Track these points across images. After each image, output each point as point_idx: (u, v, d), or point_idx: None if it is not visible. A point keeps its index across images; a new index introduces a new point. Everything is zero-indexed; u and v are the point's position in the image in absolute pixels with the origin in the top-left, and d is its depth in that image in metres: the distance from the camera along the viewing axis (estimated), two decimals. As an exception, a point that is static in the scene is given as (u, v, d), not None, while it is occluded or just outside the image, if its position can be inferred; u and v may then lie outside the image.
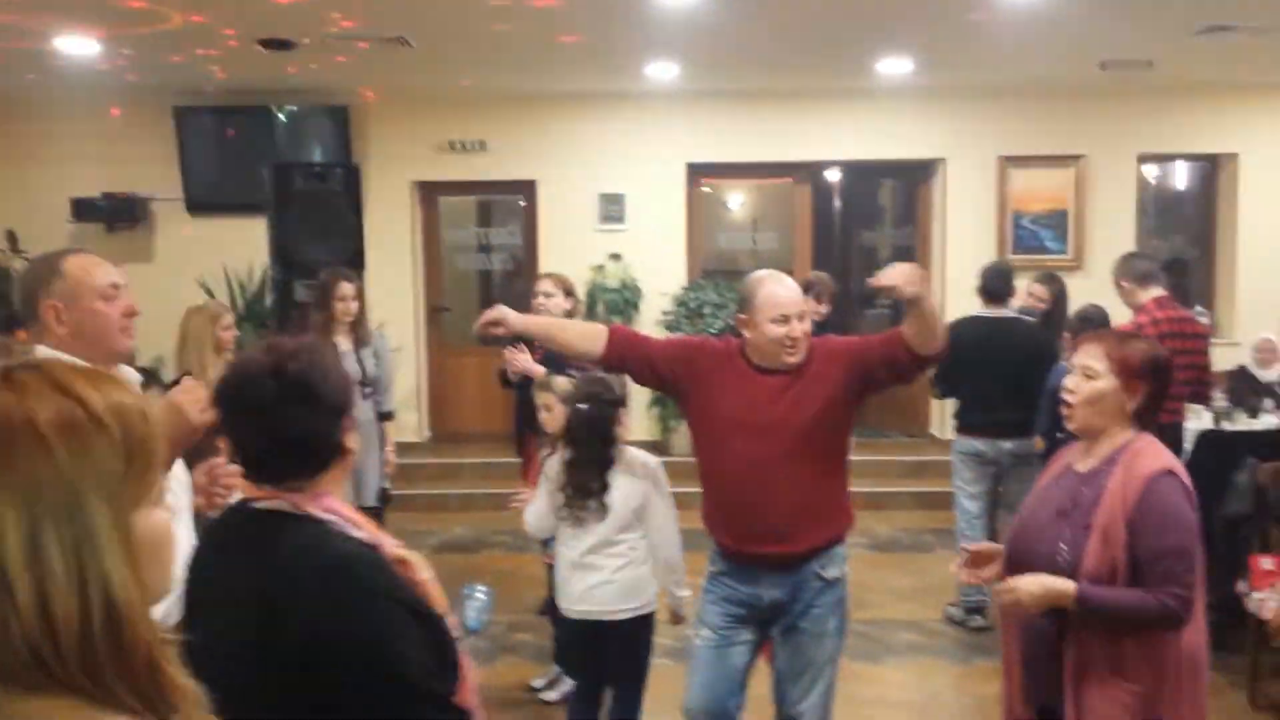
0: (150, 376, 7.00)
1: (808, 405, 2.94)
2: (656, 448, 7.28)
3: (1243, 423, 5.57)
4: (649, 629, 3.48)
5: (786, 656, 3.09)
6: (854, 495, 3.18)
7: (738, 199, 9.51)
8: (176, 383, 4.73)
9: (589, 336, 3.15)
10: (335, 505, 1.64)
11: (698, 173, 8.54)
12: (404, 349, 7.99)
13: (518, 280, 8.56)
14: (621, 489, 3.36)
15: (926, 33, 6.35)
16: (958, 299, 6.90)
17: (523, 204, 8.70)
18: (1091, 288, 6.32)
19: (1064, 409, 2.56)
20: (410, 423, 8.16)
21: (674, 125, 8.21)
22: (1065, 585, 2.37)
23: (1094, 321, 4.85)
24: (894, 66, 7.21)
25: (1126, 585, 2.35)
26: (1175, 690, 2.39)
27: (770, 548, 2.99)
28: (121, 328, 2.31)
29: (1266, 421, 5.59)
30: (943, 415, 7.49)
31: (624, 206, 8.31)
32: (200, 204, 8.12)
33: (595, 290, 8.10)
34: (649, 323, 7.91)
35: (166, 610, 1.60)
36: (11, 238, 8.04)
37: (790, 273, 3.23)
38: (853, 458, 3.17)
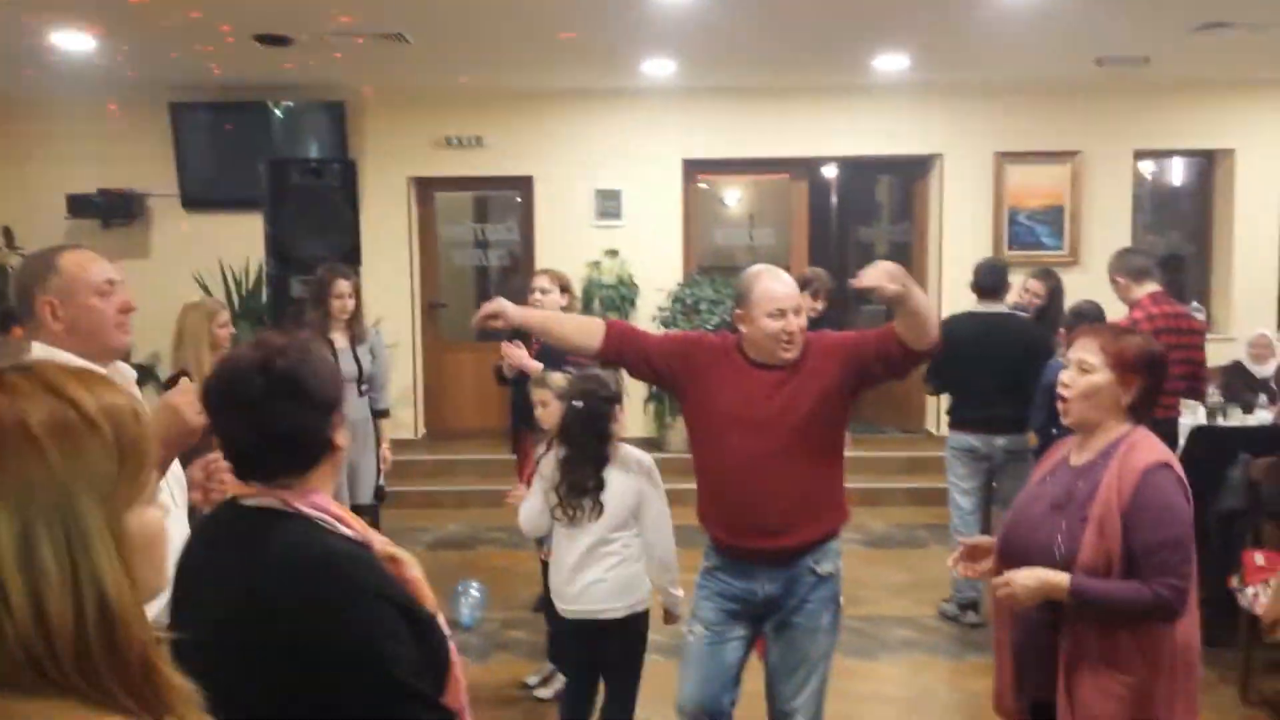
0: (146, 373, 7.00)
1: (804, 400, 2.95)
2: (652, 444, 7.30)
3: (1237, 418, 5.59)
4: (643, 626, 3.48)
5: (780, 652, 3.10)
6: (849, 491, 3.18)
7: (734, 195, 9.51)
8: (174, 379, 4.74)
9: (586, 331, 3.15)
10: (324, 502, 1.64)
11: (694, 169, 8.53)
12: (400, 345, 7.99)
13: (514, 276, 8.56)
14: (616, 486, 3.36)
15: (923, 29, 6.36)
16: (954, 295, 6.91)
17: (519, 200, 8.69)
18: (1088, 283, 6.33)
19: (1059, 403, 2.57)
20: (406, 419, 8.16)
21: (671, 121, 8.21)
22: (1060, 578, 2.38)
23: (1089, 317, 4.86)
24: (891, 63, 7.21)
25: (1122, 577, 2.37)
26: (1169, 683, 2.40)
27: (765, 542, 3.00)
28: (117, 324, 2.31)
29: (1261, 417, 5.61)
30: (938, 411, 7.49)
31: (621, 203, 8.31)
32: (196, 200, 8.12)
33: (592, 286, 8.10)
34: (645, 319, 7.91)
35: (160, 609, 1.60)
36: (7, 234, 8.03)
37: (787, 269, 3.24)
38: (848, 453, 3.19)
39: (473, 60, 7.04)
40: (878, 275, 2.72)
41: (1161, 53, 6.97)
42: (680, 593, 3.49)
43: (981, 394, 5.15)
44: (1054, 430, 3.94)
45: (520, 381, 4.49)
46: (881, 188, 9.60)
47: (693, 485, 3.15)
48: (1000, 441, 5.16)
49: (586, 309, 7.48)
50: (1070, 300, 5.56)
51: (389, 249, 8.20)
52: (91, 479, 0.95)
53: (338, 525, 1.62)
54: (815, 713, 3.11)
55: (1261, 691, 4.31)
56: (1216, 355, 6.31)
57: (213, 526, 1.74)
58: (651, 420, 8.06)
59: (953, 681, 4.71)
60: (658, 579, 3.45)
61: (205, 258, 7.93)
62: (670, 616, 3.55)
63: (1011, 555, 2.55)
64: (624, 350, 3.13)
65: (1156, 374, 2.53)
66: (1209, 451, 4.71)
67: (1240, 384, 6.18)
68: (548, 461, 3.47)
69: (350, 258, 6.29)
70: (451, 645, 1.67)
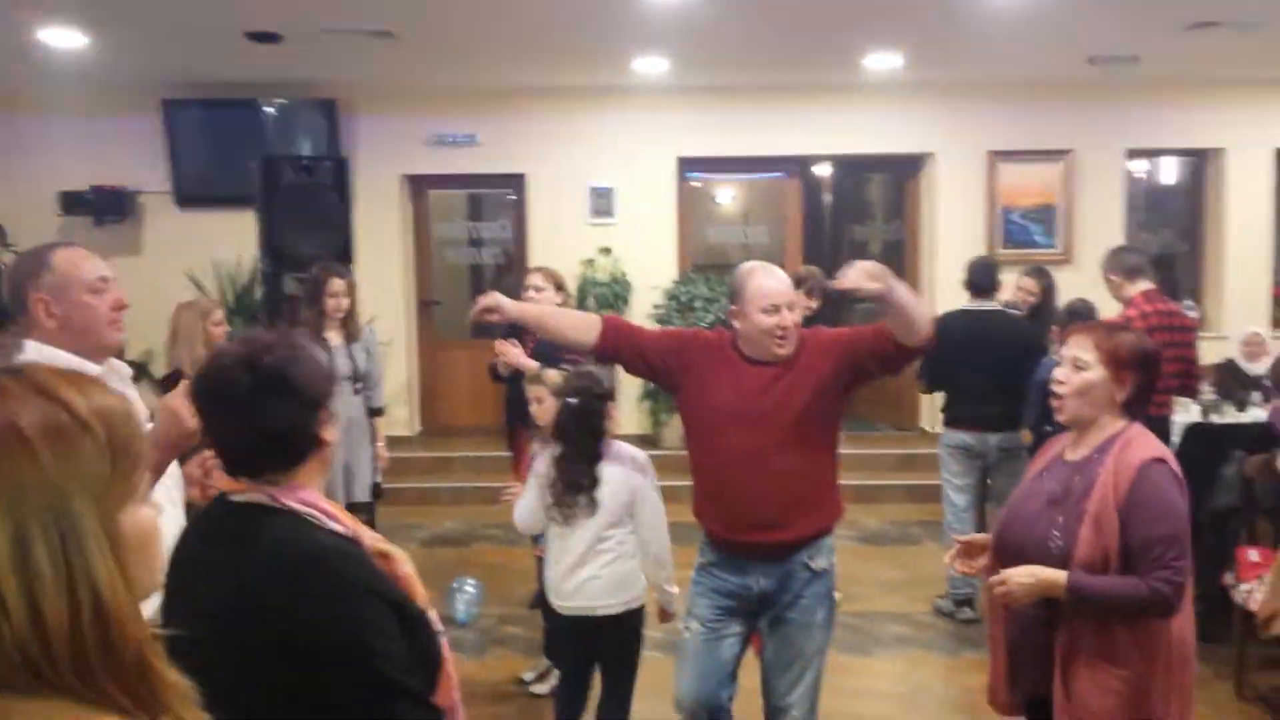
0: (139, 370, 6.98)
1: (798, 396, 2.96)
2: (648, 442, 7.29)
3: (1230, 416, 5.61)
4: (638, 623, 3.49)
5: (775, 647, 3.11)
6: (844, 488, 3.20)
7: (728, 193, 9.51)
8: (168, 378, 4.73)
9: (582, 326, 3.16)
10: (313, 498, 1.64)
11: (688, 167, 8.53)
12: (394, 343, 7.98)
13: (508, 274, 8.55)
14: (611, 483, 3.36)
15: (915, 28, 6.36)
16: (947, 293, 6.92)
17: (512, 198, 8.68)
18: (1080, 282, 6.35)
19: (1054, 400, 2.58)
20: (401, 417, 8.14)
21: (664, 119, 8.20)
22: (1057, 575, 2.39)
23: (1082, 315, 4.89)
24: (883, 61, 7.22)
25: (1119, 573, 2.37)
26: (1165, 677, 2.41)
27: (760, 536, 3.01)
28: (110, 321, 2.31)
29: (1254, 415, 5.62)
30: (932, 409, 7.50)
31: (614, 200, 8.31)
32: (189, 197, 8.09)
33: (585, 284, 8.10)
34: (639, 317, 7.89)
35: (155, 607, 1.60)
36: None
37: (781, 267, 3.24)
38: (843, 451, 3.19)
39: (464, 57, 7.03)
40: (856, 275, 2.73)
41: (1153, 52, 6.99)
42: (675, 589, 3.49)
43: (975, 391, 5.16)
44: (1047, 428, 3.95)
45: (515, 379, 4.48)
46: (874, 186, 9.61)
47: (688, 482, 3.16)
48: (994, 439, 5.17)
49: (580, 307, 7.48)
50: (1063, 298, 5.57)
51: (382, 247, 8.18)
52: (84, 480, 0.95)
53: (326, 520, 1.62)
54: (810, 708, 3.12)
55: (1256, 687, 4.32)
56: (1209, 353, 6.33)
57: (203, 523, 1.74)
58: (646, 417, 8.06)
59: (948, 677, 4.72)
60: (652, 575, 3.45)
61: (197, 255, 7.91)
62: (665, 614, 3.56)
63: (1007, 551, 2.56)
64: (620, 346, 3.13)
65: (1150, 371, 2.55)
66: (1203, 449, 4.73)
67: (1233, 382, 6.19)
68: (542, 461, 3.47)
69: (343, 255, 6.28)
70: (444, 642, 1.67)
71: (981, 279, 5.34)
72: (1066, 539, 2.43)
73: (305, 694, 1.52)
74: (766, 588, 3.06)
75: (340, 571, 1.56)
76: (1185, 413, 5.42)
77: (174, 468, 2.24)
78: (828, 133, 8.27)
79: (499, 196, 8.92)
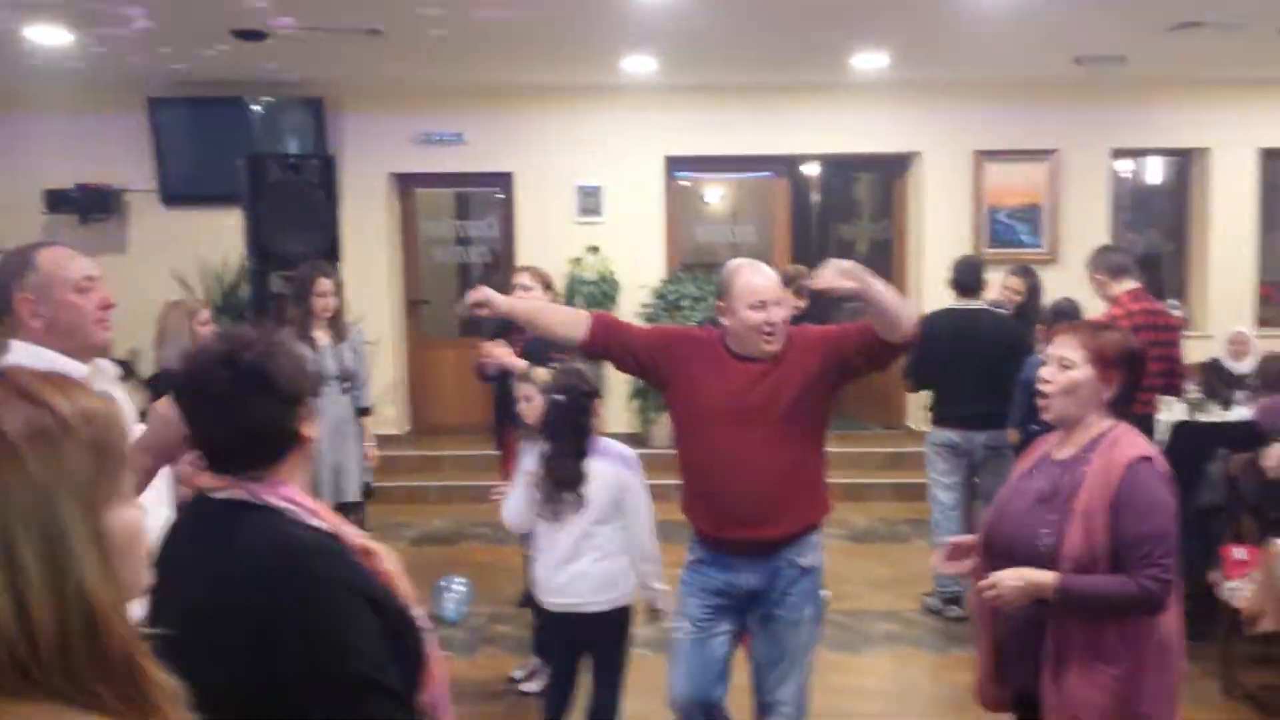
0: (126, 369, 6.95)
1: (786, 392, 2.98)
2: (636, 440, 7.29)
3: (1215, 414, 5.64)
4: (626, 621, 3.49)
5: (763, 645, 3.12)
6: (832, 486, 3.20)
7: (716, 193, 9.52)
8: (155, 377, 4.71)
9: (572, 322, 3.16)
10: (294, 493, 1.64)
11: (676, 166, 8.54)
12: (382, 342, 7.96)
13: (495, 273, 8.54)
14: (598, 480, 3.37)
15: (902, 27, 6.38)
16: (933, 292, 6.94)
17: (500, 197, 8.67)
18: (1066, 281, 6.38)
19: (1040, 399, 2.59)
20: (389, 416, 8.13)
21: (652, 118, 8.21)
22: (1045, 576, 2.40)
23: (1067, 314, 4.91)
24: (870, 61, 7.24)
25: (1107, 570, 2.38)
26: (1154, 675, 2.42)
27: (748, 533, 3.02)
28: (97, 320, 2.30)
29: (1239, 413, 5.65)
30: (920, 407, 7.53)
31: (602, 199, 8.31)
32: (175, 195, 8.06)
33: (573, 283, 8.09)
34: (627, 316, 7.86)
35: (142, 607, 1.59)
36: (-17, 230, 7.96)
37: (768, 265, 3.25)
38: (830, 449, 3.20)
39: (451, 56, 7.01)
40: (831, 275, 2.76)
41: (1138, 52, 7.03)
42: (662, 586, 3.50)
43: (961, 390, 5.18)
44: (1034, 426, 3.97)
45: (503, 378, 4.48)
46: (862, 186, 9.63)
47: (676, 481, 3.16)
48: (980, 437, 5.19)
49: (568, 305, 7.47)
50: (1049, 298, 5.59)
51: (369, 245, 8.17)
52: (70, 482, 0.95)
53: (307, 516, 1.62)
54: (800, 704, 3.13)
55: (1243, 685, 4.35)
56: (1194, 352, 6.37)
57: (185, 520, 1.74)
58: (635, 416, 8.06)
59: (936, 674, 4.74)
60: (640, 573, 3.45)
61: (183, 253, 7.87)
62: (653, 612, 3.55)
63: (996, 550, 2.57)
64: (609, 342, 3.14)
65: (1135, 369, 2.56)
66: (1188, 447, 4.75)
67: (1218, 380, 6.23)
68: (529, 460, 3.48)
69: (330, 254, 6.26)
70: (430, 639, 1.67)
71: (967, 278, 5.36)
72: (1055, 537, 2.44)
73: (284, 691, 1.52)
74: (754, 585, 3.07)
75: (317, 567, 1.56)
76: (1171, 411, 5.44)
77: (165, 468, 2.23)
78: (815, 132, 8.29)
79: (487, 195, 8.91)
